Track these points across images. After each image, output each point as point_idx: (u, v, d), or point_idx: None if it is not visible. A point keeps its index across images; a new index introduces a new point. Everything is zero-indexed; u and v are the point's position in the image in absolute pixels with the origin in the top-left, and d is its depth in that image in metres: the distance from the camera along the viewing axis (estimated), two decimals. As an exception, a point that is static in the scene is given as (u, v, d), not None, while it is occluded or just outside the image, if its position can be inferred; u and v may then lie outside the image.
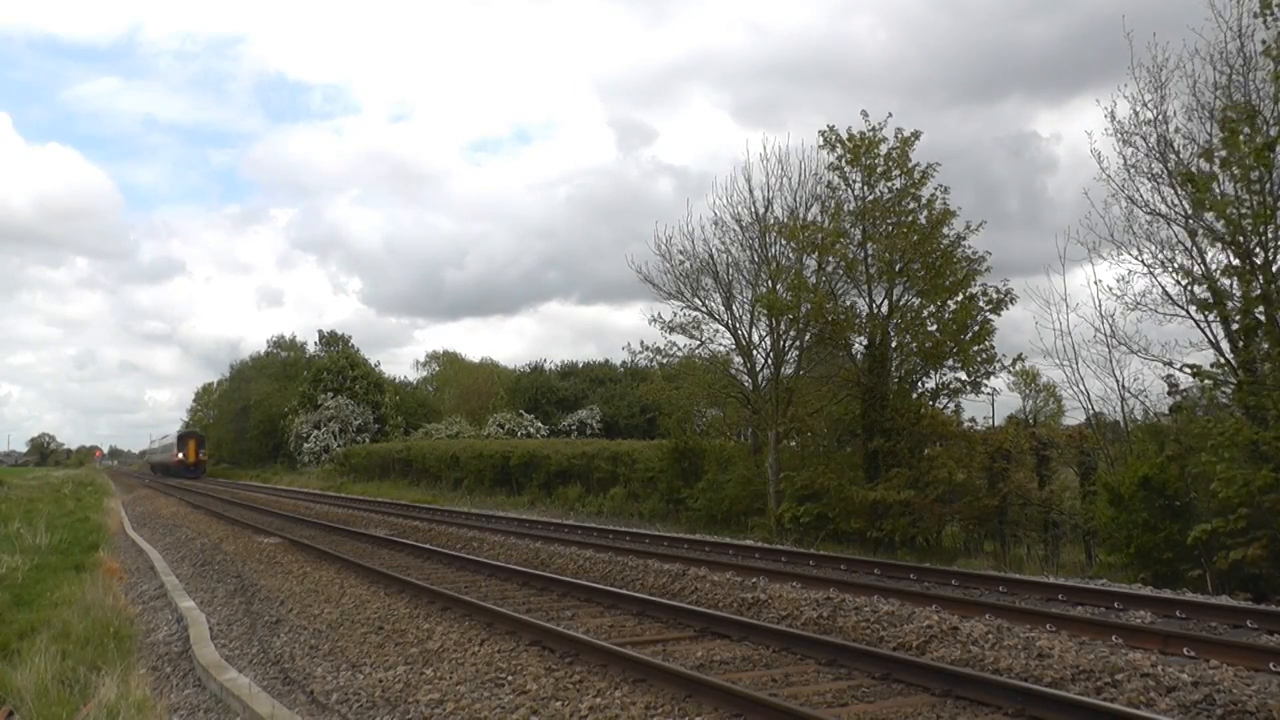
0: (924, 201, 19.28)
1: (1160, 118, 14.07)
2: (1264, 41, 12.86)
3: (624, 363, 57.27)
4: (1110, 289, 14.64)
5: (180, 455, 67.42)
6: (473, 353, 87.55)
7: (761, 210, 22.18)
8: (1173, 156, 13.94)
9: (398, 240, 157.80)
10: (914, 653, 8.09)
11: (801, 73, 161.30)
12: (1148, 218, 14.16)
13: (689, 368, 25.00)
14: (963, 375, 18.94)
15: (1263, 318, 12.78)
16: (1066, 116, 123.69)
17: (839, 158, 19.88)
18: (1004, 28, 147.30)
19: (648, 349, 24.27)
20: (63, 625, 9.56)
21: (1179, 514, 12.89)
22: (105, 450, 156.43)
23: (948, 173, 34.40)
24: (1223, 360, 13.33)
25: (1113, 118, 14.52)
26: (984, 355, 18.63)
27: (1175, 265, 13.79)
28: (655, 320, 23.21)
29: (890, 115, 19.69)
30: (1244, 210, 12.98)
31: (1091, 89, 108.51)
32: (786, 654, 8.08)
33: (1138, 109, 14.23)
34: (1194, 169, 13.60)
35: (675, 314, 23.12)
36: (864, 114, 19.78)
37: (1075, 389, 16.01)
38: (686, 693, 6.68)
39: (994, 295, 18.54)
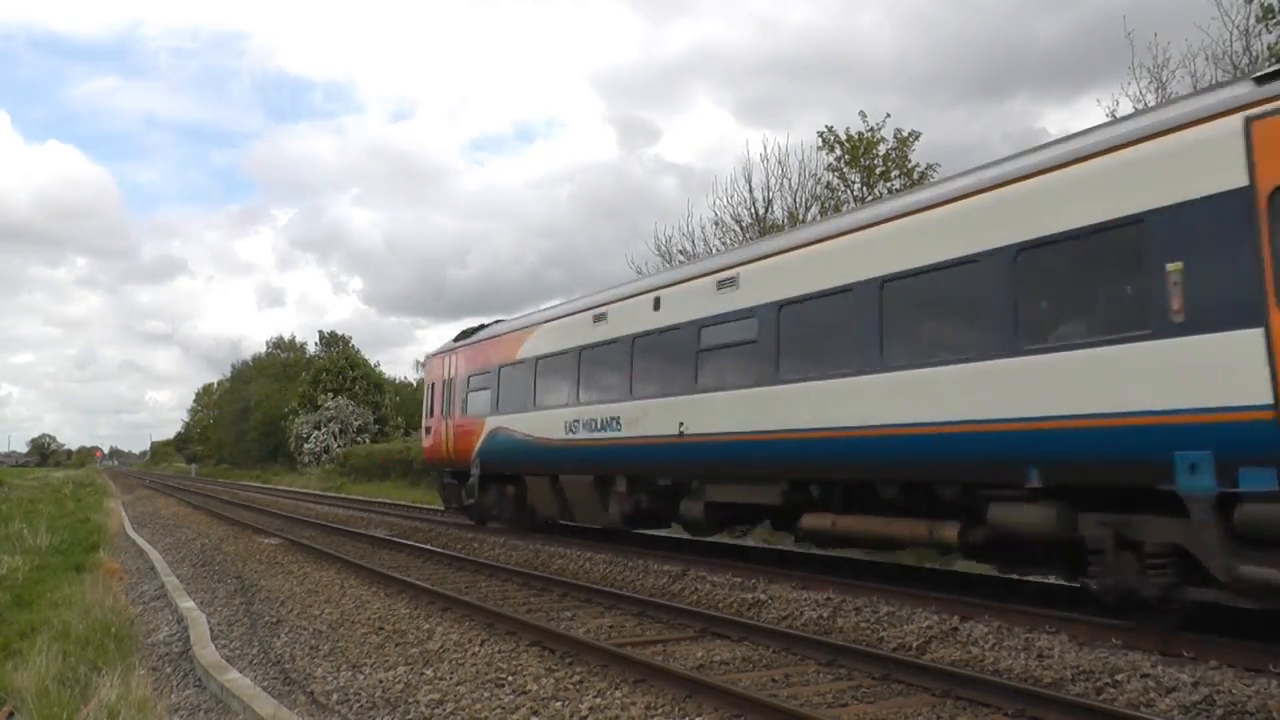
0: (924, 202, 19.29)
1: (1161, 118, 14.09)
2: (1269, 46, 12.90)
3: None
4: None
5: None
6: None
7: (761, 210, 22.24)
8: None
9: (399, 239, 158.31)
10: (914, 653, 8.09)
11: (806, 70, 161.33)
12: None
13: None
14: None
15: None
16: (1075, 114, 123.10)
17: (838, 158, 19.92)
18: (1012, 24, 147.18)
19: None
20: (63, 625, 9.55)
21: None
22: (106, 450, 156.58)
23: (954, 171, 34.24)
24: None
25: (1114, 118, 14.54)
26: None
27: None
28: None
29: (889, 115, 19.78)
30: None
31: (1101, 86, 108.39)
32: (786, 654, 8.08)
33: (1138, 109, 14.25)
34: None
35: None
36: (862, 114, 19.82)
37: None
38: (686, 693, 6.69)
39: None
